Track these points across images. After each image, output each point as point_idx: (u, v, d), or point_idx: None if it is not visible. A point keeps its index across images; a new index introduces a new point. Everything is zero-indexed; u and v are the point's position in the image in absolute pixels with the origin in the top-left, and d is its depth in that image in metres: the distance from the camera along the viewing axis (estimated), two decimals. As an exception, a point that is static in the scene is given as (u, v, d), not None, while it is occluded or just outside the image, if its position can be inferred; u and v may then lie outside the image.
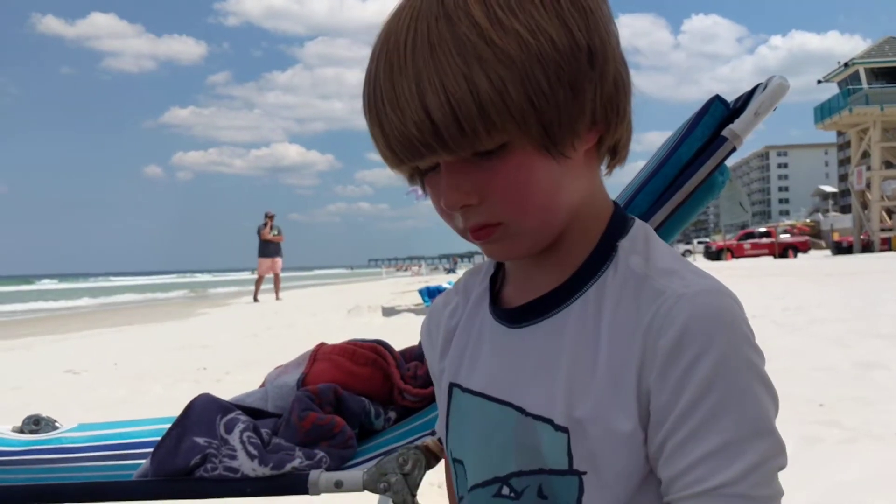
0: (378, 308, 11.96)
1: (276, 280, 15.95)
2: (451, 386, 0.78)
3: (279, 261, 15.70)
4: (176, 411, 2.59)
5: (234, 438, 1.27)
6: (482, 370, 0.75)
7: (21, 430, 2.02)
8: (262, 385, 1.59)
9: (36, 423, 2.03)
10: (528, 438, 0.69)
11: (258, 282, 16.05)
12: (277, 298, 15.76)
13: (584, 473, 0.66)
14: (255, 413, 1.39)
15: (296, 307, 13.62)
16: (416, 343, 1.73)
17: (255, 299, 15.71)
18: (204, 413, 1.31)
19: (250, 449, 1.26)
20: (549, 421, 0.67)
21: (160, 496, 1.28)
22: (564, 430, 0.66)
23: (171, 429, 1.31)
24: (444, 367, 0.79)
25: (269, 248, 15.43)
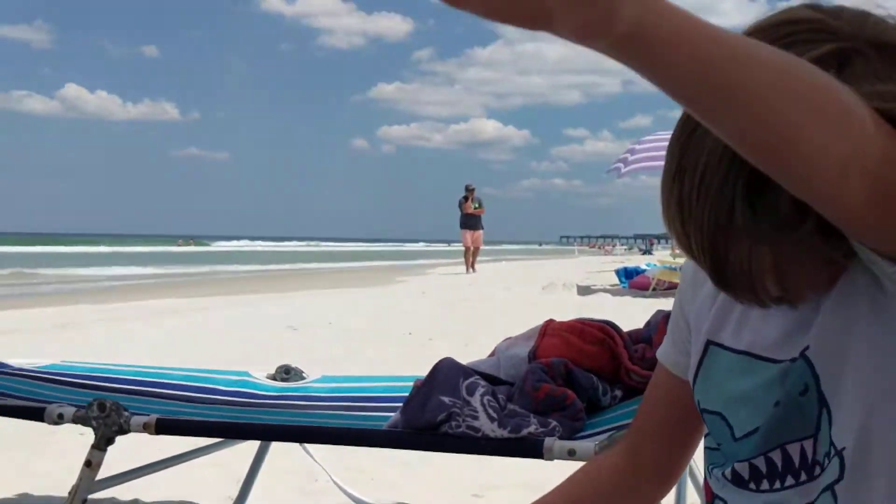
0: (573, 286, 11.96)
1: (475, 252, 16.31)
2: (709, 343, 0.83)
3: (480, 233, 16.04)
4: (390, 371, 2.81)
5: (475, 400, 1.38)
6: (749, 331, 0.80)
7: (274, 378, 2.27)
8: (492, 354, 1.70)
9: (286, 373, 2.27)
10: (791, 389, 0.74)
11: (466, 253, 16.46)
12: (473, 270, 16.11)
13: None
14: (489, 379, 1.50)
15: (489, 280, 13.91)
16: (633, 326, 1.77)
17: (472, 269, 16.13)
18: (449, 375, 1.43)
19: (490, 412, 1.37)
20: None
21: (409, 446, 1.43)
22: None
23: (419, 387, 1.45)
24: (700, 315, 0.85)
25: (470, 221, 15.79)
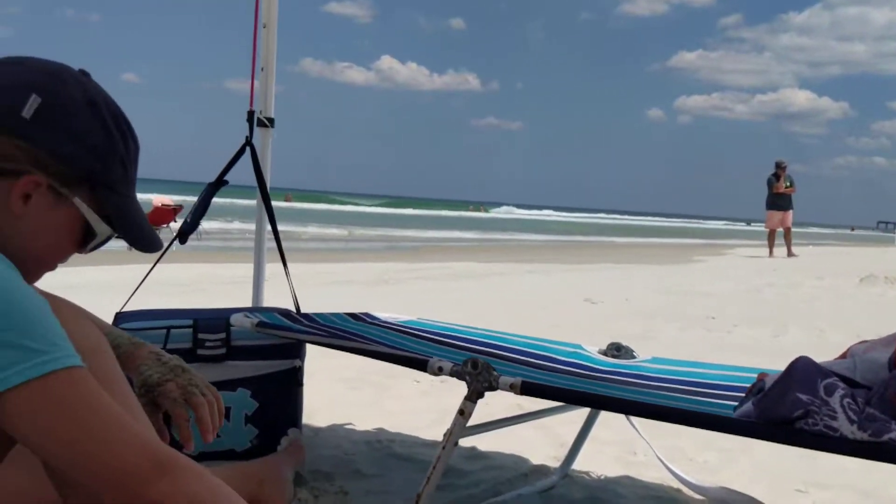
0: None
1: (787, 235, 15.27)
2: None
3: (790, 214, 15.04)
4: (692, 356, 2.82)
5: (834, 401, 1.40)
6: None
7: (605, 353, 2.41)
8: (845, 355, 1.68)
9: (617, 350, 2.40)
10: None
11: (770, 236, 15.55)
12: (791, 254, 15.13)
13: None
14: (844, 381, 1.50)
15: (796, 266, 13.04)
16: None
17: (771, 254, 15.29)
18: (806, 373, 1.45)
19: (850, 414, 1.38)
20: None
21: (763, 437, 1.48)
22: None
23: (776, 381, 1.49)
24: None
25: (780, 201, 14.85)
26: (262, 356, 2.37)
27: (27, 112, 1.09)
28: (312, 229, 22.74)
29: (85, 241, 1.19)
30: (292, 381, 2.40)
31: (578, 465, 2.42)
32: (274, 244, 2.66)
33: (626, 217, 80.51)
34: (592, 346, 2.43)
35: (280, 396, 2.38)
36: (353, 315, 2.62)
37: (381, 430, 2.78)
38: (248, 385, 2.36)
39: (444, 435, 1.76)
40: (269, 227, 2.75)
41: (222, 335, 2.33)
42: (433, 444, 2.64)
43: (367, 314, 2.67)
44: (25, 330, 0.95)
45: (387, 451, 2.54)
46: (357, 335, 2.21)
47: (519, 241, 24.32)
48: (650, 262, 15.13)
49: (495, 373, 1.71)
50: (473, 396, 1.73)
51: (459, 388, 1.76)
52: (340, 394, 3.27)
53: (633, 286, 9.41)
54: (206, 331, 2.32)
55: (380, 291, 7.92)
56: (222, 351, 2.33)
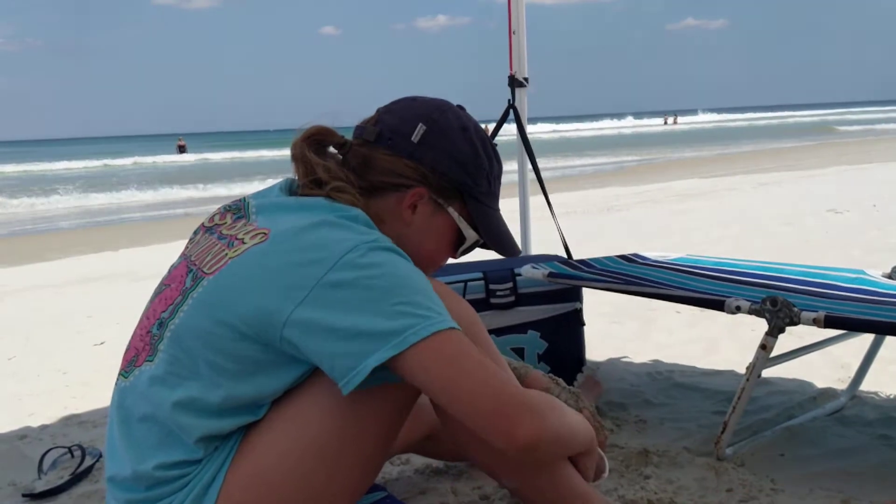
0: None
1: None
2: None
3: None
4: None
5: None
6: None
7: (890, 277, 2.39)
8: None
9: (903, 271, 2.37)
10: None
11: None
12: None
13: None
14: None
15: None
16: None
17: None
18: None
19: None
20: None
21: None
22: None
23: None
24: None
25: None
26: (547, 300, 2.59)
27: (415, 137, 1.36)
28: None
29: (457, 245, 1.44)
30: (575, 321, 2.60)
31: (865, 386, 2.44)
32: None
33: (853, 110, 73.74)
34: (875, 270, 2.42)
35: (566, 336, 2.59)
36: (624, 257, 2.77)
37: (657, 362, 2.93)
38: (537, 328, 2.59)
39: (747, 368, 1.89)
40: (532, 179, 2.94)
41: (510, 284, 2.57)
42: (712, 372, 2.76)
43: (636, 255, 2.81)
44: (417, 301, 1.19)
45: (668, 381, 2.69)
46: (640, 279, 2.36)
47: (738, 150, 23.12)
48: (890, 158, 13.93)
49: (795, 308, 1.80)
50: (775, 332, 1.83)
51: (721, 317, 1.86)
52: (606, 329, 3.45)
53: (877, 189, 8.78)
54: (495, 282, 2.56)
55: (613, 220, 7.98)
56: (511, 299, 2.56)
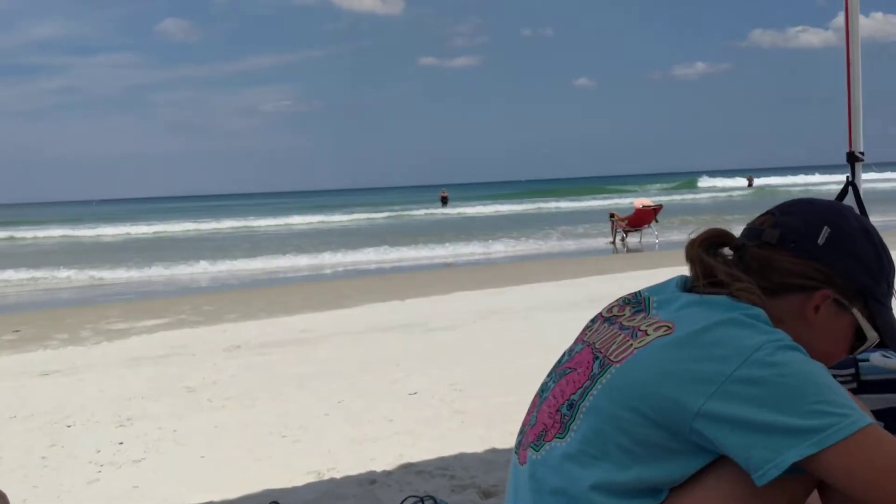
0: None
1: None
2: None
3: None
4: None
5: None
6: None
7: None
8: None
9: None
10: None
11: None
12: None
13: None
14: None
15: None
16: None
17: None
18: None
19: None
20: None
21: None
22: None
23: None
24: None
25: None
26: (893, 389, 2.45)
27: (821, 240, 1.40)
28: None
29: (855, 345, 1.45)
30: (921, 413, 2.43)
31: None
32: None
33: None
34: None
35: (912, 428, 2.43)
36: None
37: None
38: (880, 417, 2.45)
39: None
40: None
41: (852, 370, 2.46)
42: None
43: None
44: (832, 399, 1.20)
45: None
46: None
47: None
48: None
49: None
50: None
51: None
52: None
53: None
54: (836, 367, 2.47)
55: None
56: (853, 385, 2.46)
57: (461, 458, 3.04)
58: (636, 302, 1.53)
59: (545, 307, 7.53)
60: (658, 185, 59.17)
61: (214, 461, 3.35)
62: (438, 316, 7.36)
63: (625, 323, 1.49)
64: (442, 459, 3.04)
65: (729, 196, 39.90)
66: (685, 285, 1.51)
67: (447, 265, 14.85)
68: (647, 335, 1.39)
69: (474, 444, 3.24)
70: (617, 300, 1.59)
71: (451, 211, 36.91)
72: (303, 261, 16.02)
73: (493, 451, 3.12)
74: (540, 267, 12.89)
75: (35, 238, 28.38)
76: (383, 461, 3.09)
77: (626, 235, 17.62)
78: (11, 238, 28.38)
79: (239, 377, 5.13)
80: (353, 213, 36.25)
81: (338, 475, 2.98)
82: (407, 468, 2.98)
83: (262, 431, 3.78)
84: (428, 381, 4.60)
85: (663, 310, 1.45)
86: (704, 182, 58.85)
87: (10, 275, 14.77)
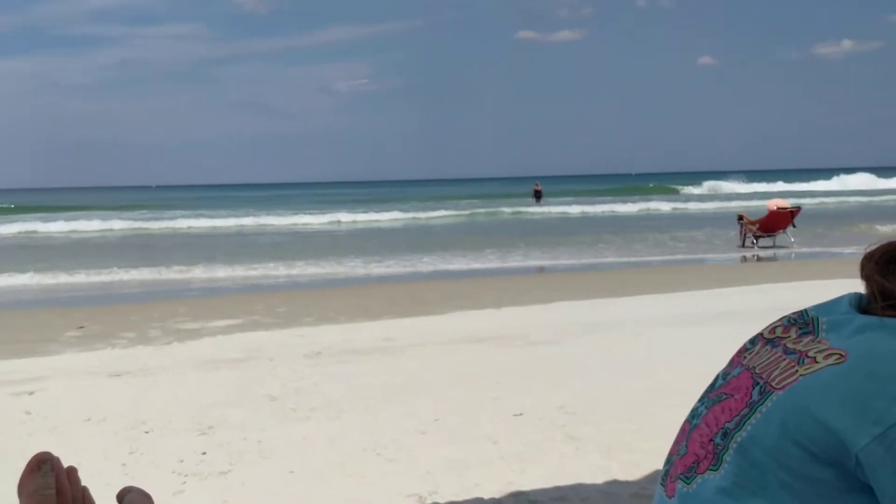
0: None
1: None
2: None
3: None
4: None
5: None
6: None
7: None
8: None
9: None
10: None
11: None
12: None
13: None
14: None
15: None
16: None
17: None
18: None
19: None
20: None
21: None
22: None
23: None
24: None
25: None
26: None
27: None
28: None
29: None
30: None
31: None
32: None
33: None
34: None
35: None
36: None
37: None
38: None
39: None
40: None
41: None
42: None
43: None
44: None
45: None
46: None
47: None
48: None
49: None
50: None
51: None
52: None
53: None
54: None
55: None
56: None
57: (579, 489, 3.11)
58: (803, 322, 1.57)
59: (660, 322, 7.50)
60: (795, 185, 57.33)
61: (304, 477, 3.51)
62: (539, 328, 7.42)
63: (790, 346, 1.53)
64: (558, 489, 3.11)
65: (883, 200, 38.43)
66: (860, 304, 1.55)
67: (540, 269, 14.87)
68: (816, 363, 1.43)
69: (592, 474, 3.30)
70: (780, 319, 1.63)
71: (545, 210, 36.69)
72: (377, 260, 16.29)
73: (615, 482, 3.18)
74: (652, 275, 12.78)
75: (99, 231, 29.40)
76: (490, 488, 3.18)
77: (757, 241, 17.27)
78: (71, 231, 29.57)
79: (322, 385, 5.31)
80: (435, 209, 36.45)
81: (441, 500, 3.08)
82: (518, 497, 3.07)
83: (352, 446, 3.93)
84: (533, 400, 4.67)
85: (834, 333, 1.49)
86: (844, 181, 56.96)
87: (69, 267, 15.48)
